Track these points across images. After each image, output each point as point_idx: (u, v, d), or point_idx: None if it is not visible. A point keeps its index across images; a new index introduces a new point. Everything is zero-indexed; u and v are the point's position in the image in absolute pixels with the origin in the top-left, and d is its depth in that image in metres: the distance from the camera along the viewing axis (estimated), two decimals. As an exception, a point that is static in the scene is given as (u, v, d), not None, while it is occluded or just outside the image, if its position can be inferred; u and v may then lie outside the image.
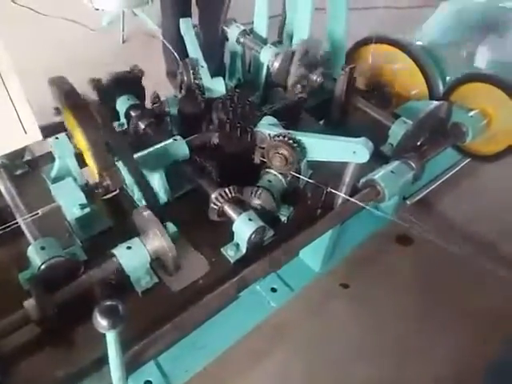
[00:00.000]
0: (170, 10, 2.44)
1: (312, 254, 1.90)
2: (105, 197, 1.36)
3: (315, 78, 1.61)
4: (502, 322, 1.88)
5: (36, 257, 1.10)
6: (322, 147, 1.25)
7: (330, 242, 1.80)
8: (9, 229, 1.17)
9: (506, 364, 1.07)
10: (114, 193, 1.38)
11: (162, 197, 1.34)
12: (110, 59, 3.06)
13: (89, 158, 1.25)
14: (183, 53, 2.46)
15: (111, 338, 0.70)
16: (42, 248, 1.11)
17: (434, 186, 2.35)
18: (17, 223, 1.21)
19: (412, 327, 1.86)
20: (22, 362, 1.02)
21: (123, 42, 3.39)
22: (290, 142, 1.23)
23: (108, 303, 0.69)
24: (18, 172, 1.43)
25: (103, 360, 0.92)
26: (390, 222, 2.21)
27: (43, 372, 1.02)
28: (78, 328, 1.08)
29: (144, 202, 1.30)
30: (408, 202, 2.29)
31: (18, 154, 1.42)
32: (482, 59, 2.40)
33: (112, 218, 1.35)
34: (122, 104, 1.54)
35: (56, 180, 1.39)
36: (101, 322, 0.67)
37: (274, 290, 1.87)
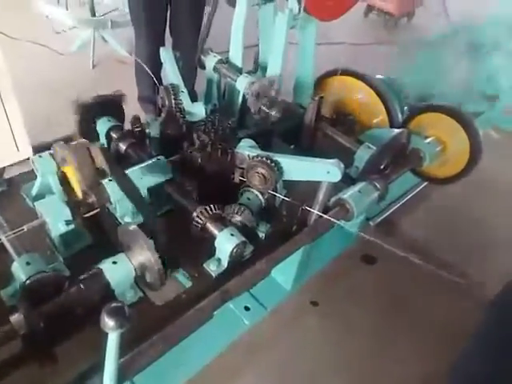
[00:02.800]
0: (145, 38, 2.53)
1: (283, 273, 1.98)
2: (86, 215, 1.39)
3: (274, 112, 1.71)
4: (461, 333, 2.02)
5: (21, 272, 1.11)
6: (298, 167, 1.35)
7: (301, 260, 1.89)
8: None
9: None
10: (95, 211, 1.41)
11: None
12: (79, 83, 3.08)
13: (74, 177, 1.29)
14: (157, 78, 2.55)
15: (114, 339, 0.74)
16: (28, 263, 1.13)
17: (394, 208, 2.52)
18: (-1, 240, 1.21)
19: (379, 341, 1.96)
20: (7, 378, 1.01)
21: (93, 67, 3.42)
22: (269, 162, 1.33)
23: (114, 304, 0.73)
24: (-3, 190, 1.43)
25: (86, 375, 0.95)
26: (355, 242, 2.35)
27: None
28: (63, 342, 1.08)
29: (127, 219, 1.34)
30: (371, 223, 2.44)
31: (-2, 172, 1.42)
32: (433, 92, 2.66)
33: (93, 236, 1.37)
34: (102, 125, 1.58)
35: (37, 198, 1.40)
36: (108, 322, 0.71)
37: (247, 308, 1.92)
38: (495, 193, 2.82)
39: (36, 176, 1.43)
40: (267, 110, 1.61)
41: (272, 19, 1.83)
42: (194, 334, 1.68)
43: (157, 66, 2.44)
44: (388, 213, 2.50)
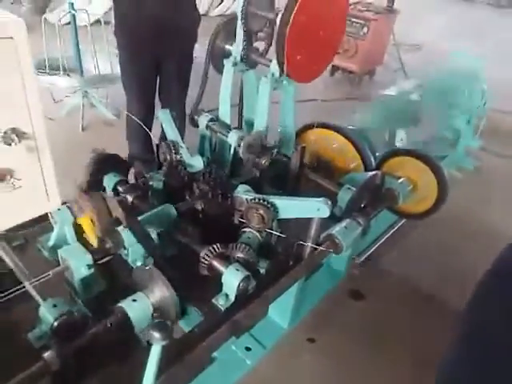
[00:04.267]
0: (136, 104, 2.75)
1: (280, 311, 2.10)
2: (99, 261, 1.50)
3: (263, 161, 1.91)
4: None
5: (49, 314, 1.21)
6: (292, 206, 1.53)
7: (295, 298, 2.02)
8: (16, 293, 1.27)
9: None
10: (108, 258, 1.53)
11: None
12: (71, 146, 3.25)
13: (88, 226, 1.43)
14: (147, 137, 2.76)
15: (157, 350, 0.85)
16: (54, 305, 1.23)
17: (376, 246, 2.71)
18: (24, 287, 1.31)
19: (374, 375, 2.06)
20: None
21: (82, 130, 3.62)
22: (265, 203, 1.50)
23: (158, 320, 0.85)
24: (15, 243, 1.53)
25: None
26: (343, 280, 2.50)
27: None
28: (91, 377, 1.17)
29: (138, 263, 1.47)
30: (356, 261, 2.60)
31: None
32: (400, 139, 2.96)
33: (106, 280, 1.48)
34: (109, 180, 1.74)
35: (53, 249, 1.52)
36: (154, 335, 0.83)
37: (248, 348, 2.01)
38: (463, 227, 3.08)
39: (51, 228, 1.57)
40: (257, 159, 1.81)
41: (254, 82, 2.09)
42: (200, 376, 1.76)
43: (148, 127, 2.67)
44: (371, 251, 2.69)
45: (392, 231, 2.81)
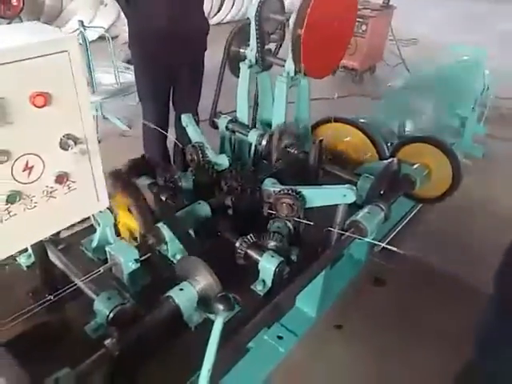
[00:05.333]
0: (152, 112, 2.85)
1: (307, 301, 2.18)
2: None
3: (292, 151, 2.02)
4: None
5: (104, 306, 1.30)
6: (318, 195, 1.62)
7: (322, 287, 2.10)
8: (68, 291, 1.37)
9: None
10: (148, 255, 1.62)
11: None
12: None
13: (124, 227, 1.53)
14: (164, 145, 2.87)
15: (220, 321, 0.94)
16: (108, 298, 1.32)
17: (394, 233, 2.79)
18: (75, 285, 1.40)
19: (400, 357, 2.13)
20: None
21: (99, 142, 3.71)
22: (294, 193, 1.59)
23: (222, 294, 0.94)
24: (60, 247, 1.63)
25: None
26: (363, 267, 2.58)
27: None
28: (147, 362, 1.25)
29: (178, 257, 1.56)
30: (376, 249, 2.68)
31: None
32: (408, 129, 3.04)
33: (149, 274, 1.57)
34: (141, 183, 1.83)
35: (96, 250, 1.62)
36: (218, 307, 0.92)
37: (280, 337, 2.09)
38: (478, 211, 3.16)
39: (91, 231, 1.67)
40: (288, 149, 1.90)
41: (269, 83, 2.19)
42: (239, 365, 1.84)
43: (163, 135, 2.77)
44: (389, 238, 2.76)
45: (408, 218, 2.89)
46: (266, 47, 2.08)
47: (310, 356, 2.13)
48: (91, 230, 1.67)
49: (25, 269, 1.56)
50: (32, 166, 1.08)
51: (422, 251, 2.75)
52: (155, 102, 2.85)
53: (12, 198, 1.06)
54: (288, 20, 1.82)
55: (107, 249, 1.45)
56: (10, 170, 1.04)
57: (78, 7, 5.95)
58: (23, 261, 1.56)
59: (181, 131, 2.43)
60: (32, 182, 1.10)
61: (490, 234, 2.89)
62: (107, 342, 1.20)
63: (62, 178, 1.15)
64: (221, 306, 0.93)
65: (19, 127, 1.02)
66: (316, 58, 1.78)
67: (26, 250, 1.56)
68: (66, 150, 1.12)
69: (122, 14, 2.84)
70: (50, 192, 1.15)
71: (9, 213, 1.08)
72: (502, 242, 1.45)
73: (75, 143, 1.12)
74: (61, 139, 1.11)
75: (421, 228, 2.95)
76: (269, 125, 2.23)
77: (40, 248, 1.34)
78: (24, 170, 1.07)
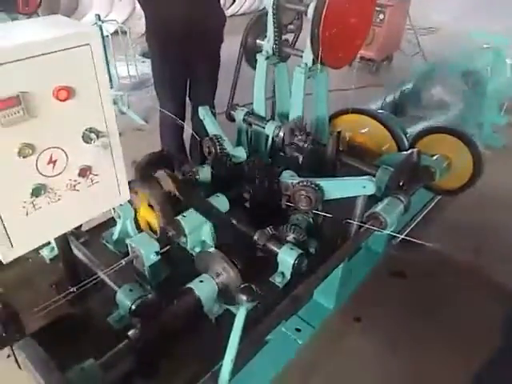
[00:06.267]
0: (169, 106, 2.84)
1: (325, 293, 2.17)
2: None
3: (306, 145, 2.00)
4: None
5: (126, 298, 1.32)
6: (337, 187, 1.61)
7: (340, 279, 2.09)
8: (91, 283, 1.39)
9: None
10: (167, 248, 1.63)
11: (210, 244, 1.61)
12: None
13: (148, 218, 1.54)
14: (180, 136, 2.88)
15: (243, 312, 0.95)
16: (130, 290, 1.34)
17: (412, 226, 2.76)
18: (98, 277, 1.42)
19: (419, 350, 2.12)
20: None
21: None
22: (312, 185, 1.58)
23: (246, 285, 0.95)
24: (81, 240, 1.65)
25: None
26: (381, 260, 2.56)
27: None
28: (169, 353, 1.27)
29: (197, 249, 1.57)
30: (393, 242, 2.66)
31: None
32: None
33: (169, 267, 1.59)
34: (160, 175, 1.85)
35: (117, 242, 1.64)
36: (241, 297, 0.92)
37: (298, 329, 2.10)
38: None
39: (111, 224, 1.69)
40: (300, 143, 1.88)
41: (286, 75, 2.18)
42: (257, 356, 1.85)
43: (180, 128, 2.78)
44: (408, 230, 2.73)
45: (426, 211, 2.85)
46: (284, 38, 2.06)
47: (328, 348, 2.14)
48: (110, 223, 1.69)
49: (48, 262, 1.59)
50: (56, 160, 1.09)
51: (442, 241, 2.72)
52: (172, 95, 2.85)
53: (37, 191, 1.08)
54: (306, 10, 1.80)
55: (128, 241, 1.47)
56: (35, 163, 1.06)
57: (94, 1, 5.98)
58: (46, 253, 1.58)
59: (197, 124, 2.44)
60: (56, 176, 1.11)
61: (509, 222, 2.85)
62: (131, 332, 1.22)
63: (85, 171, 1.16)
64: (244, 297, 0.93)
65: (43, 121, 1.03)
66: (335, 47, 1.76)
67: (48, 243, 1.59)
68: (89, 143, 1.13)
69: (138, 7, 2.85)
70: (74, 185, 1.17)
71: (34, 206, 1.10)
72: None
73: (97, 136, 1.13)
74: (83, 133, 1.12)
75: (440, 218, 2.91)
76: (286, 117, 2.22)
77: (63, 241, 1.36)
78: (48, 164, 1.08)
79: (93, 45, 1.06)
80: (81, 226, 1.71)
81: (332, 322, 2.19)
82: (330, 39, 1.71)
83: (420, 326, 2.24)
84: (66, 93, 1.03)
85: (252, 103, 2.24)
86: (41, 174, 1.08)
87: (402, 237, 2.56)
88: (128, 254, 1.54)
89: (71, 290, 1.37)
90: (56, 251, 1.57)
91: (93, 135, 1.13)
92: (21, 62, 0.95)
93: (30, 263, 1.57)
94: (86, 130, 1.12)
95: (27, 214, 1.10)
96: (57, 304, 1.34)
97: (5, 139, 0.98)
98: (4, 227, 1.06)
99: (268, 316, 1.38)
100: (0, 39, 0.95)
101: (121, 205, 1.58)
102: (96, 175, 1.20)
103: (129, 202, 1.60)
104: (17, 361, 1.24)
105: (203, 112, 2.04)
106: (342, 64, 1.90)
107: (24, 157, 1.02)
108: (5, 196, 1.03)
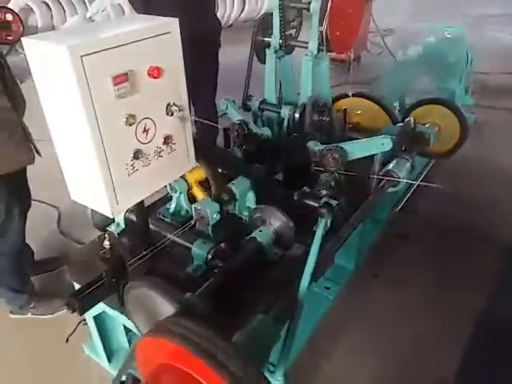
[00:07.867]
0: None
1: (345, 256, 2.45)
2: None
3: (324, 118, 2.28)
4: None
5: (202, 249, 1.55)
6: (358, 147, 1.90)
7: (358, 242, 2.38)
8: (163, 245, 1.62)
9: None
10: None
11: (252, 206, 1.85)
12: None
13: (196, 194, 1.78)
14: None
15: (323, 223, 1.20)
16: (204, 243, 1.58)
17: (408, 195, 3.08)
18: (169, 238, 1.65)
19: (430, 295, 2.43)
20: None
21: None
22: (338, 148, 1.87)
23: (325, 201, 1.21)
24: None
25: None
26: (385, 225, 2.86)
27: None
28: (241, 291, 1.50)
29: (245, 213, 1.81)
30: (395, 210, 2.97)
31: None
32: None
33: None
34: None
35: (174, 214, 1.86)
36: (322, 210, 1.18)
37: (327, 288, 2.36)
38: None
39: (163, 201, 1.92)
40: (321, 117, 2.16)
41: (290, 66, 2.47)
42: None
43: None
44: (405, 200, 3.06)
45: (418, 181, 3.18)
46: (287, 33, 2.36)
47: (353, 301, 2.41)
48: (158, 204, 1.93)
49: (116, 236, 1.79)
50: (148, 129, 1.34)
51: (434, 209, 3.07)
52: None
53: (137, 155, 1.31)
54: (308, 7, 2.10)
55: (194, 205, 1.70)
56: (135, 131, 1.30)
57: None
58: (114, 228, 1.79)
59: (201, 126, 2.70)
60: (148, 143, 1.35)
61: (494, 187, 3.23)
62: (216, 270, 1.46)
63: (168, 140, 1.40)
64: (324, 210, 1.19)
65: (141, 95, 1.28)
66: (339, 35, 2.07)
67: (113, 220, 1.79)
68: (171, 115, 1.38)
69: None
70: (159, 152, 1.41)
71: (133, 168, 1.33)
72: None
73: (178, 109, 1.38)
74: (167, 106, 1.36)
75: (428, 190, 3.25)
76: (291, 103, 2.50)
77: (140, 207, 1.58)
78: (143, 132, 1.32)
79: (173, 32, 1.32)
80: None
81: (353, 279, 2.47)
82: (336, 29, 2.02)
83: (430, 274, 2.55)
84: (157, 71, 1.28)
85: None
86: (138, 140, 1.32)
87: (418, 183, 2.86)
88: (184, 224, 1.77)
89: (150, 250, 1.59)
90: (122, 226, 1.79)
91: (174, 108, 1.37)
92: (127, 45, 1.20)
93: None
94: (168, 104, 1.37)
95: (128, 175, 1.33)
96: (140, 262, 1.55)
97: (117, 109, 1.22)
98: (113, 187, 1.29)
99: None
100: (111, 30, 1.20)
101: (175, 180, 1.81)
102: (174, 144, 1.45)
103: (182, 177, 1.83)
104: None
105: (226, 103, 2.31)
106: (346, 48, 2.23)
107: (130, 125, 1.26)
108: (115, 158, 1.26)
